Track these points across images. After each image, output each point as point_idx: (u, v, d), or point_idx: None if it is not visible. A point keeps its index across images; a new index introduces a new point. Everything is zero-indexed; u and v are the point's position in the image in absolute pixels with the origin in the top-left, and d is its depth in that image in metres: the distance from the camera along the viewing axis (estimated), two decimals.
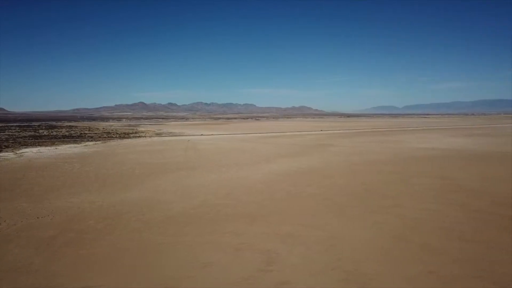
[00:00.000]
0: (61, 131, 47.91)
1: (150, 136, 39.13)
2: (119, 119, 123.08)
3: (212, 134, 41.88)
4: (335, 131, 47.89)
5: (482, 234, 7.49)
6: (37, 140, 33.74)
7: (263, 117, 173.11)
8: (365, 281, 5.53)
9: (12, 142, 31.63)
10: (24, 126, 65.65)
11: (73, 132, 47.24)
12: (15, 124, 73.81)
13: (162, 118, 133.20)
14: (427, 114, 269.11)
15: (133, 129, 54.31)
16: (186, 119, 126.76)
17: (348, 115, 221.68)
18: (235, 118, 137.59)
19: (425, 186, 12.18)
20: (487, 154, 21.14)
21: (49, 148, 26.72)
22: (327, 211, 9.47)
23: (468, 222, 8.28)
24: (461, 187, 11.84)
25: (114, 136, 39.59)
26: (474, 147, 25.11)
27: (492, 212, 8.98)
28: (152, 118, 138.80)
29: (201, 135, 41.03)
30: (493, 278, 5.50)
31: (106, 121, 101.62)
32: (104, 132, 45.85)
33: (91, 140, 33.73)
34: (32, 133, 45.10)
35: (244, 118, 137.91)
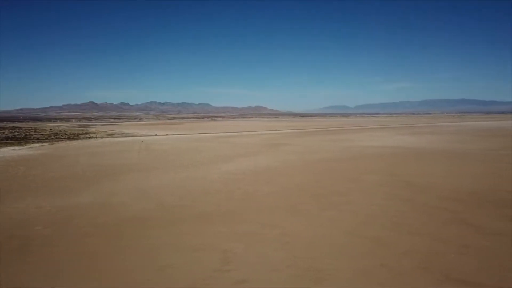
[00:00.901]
0: (3, 133, 44.99)
1: (101, 137, 37.77)
2: (67, 119, 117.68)
3: (167, 134, 41.13)
4: (290, 131, 48.68)
5: (428, 227, 7.91)
6: None
7: (219, 116, 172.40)
8: (320, 276, 5.67)
9: None
10: None
11: (17, 133, 44.50)
12: None
13: (114, 118, 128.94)
14: (377, 113, 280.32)
15: (83, 130, 52.14)
16: (140, 119, 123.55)
17: (302, 115, 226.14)
18: (190, 118, 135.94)
19: (375, 182, 12.67)
20: (431, 151, 22.35)
21: None
22: (283, 209, 9.61)
23: (415, 216, 8.71)
24: (408, 183, 12.43)
25: (62, 137, 37.74)
26: (419, 144, 26.44)
27: (437, 206, 9.51)
28: (104, 118, 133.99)
29: (155, 135, 40.15)
30: (438, 268, 5.83)
31: (54, 121, 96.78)
32: (52, 133, 43.59)
33: (37, 142, 31.99)
34: None
35: (199, 118, 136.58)
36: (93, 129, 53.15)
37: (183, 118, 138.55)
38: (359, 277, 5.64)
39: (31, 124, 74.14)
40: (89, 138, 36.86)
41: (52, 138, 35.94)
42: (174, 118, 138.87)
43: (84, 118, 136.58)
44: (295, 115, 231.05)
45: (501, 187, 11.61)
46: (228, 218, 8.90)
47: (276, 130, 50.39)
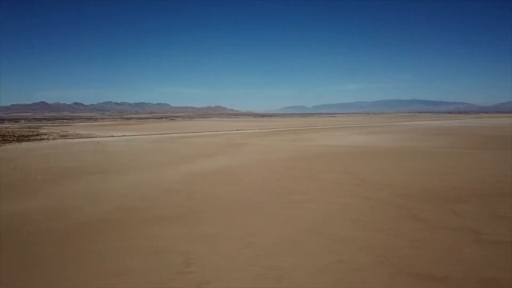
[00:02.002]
0: None
1: (54, 139, 36.15)
2: (16, 120, 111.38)
3: (124, 135, 40.04)
4: (251, 131, 48.90)
5: (382, 223, 8.22)
6: None
7: (178, 116, 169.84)
8: (281, 274, 5.78)
9: None
10: None
11: None
12: None
13: (68, 119, 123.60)
14: (334, 113, 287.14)
15: (33, 131, 49.61)
16: (95, 119, 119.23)
17: (263, 115, 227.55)
18: (149, 118, 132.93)
19: (333, 181, 13.02)
20: (385, 149, 23.21)
21: None
22: (245, 208, 9.67)
23: (371, 212, 9.02)
24: (364, 181, 12.86)
25: (10, 139, 35.68)
26: (374, 143, 27.39)
27: (390, 202, 9.90)
28: (56, 119, 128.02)
29: (112, 136, 38.95)
30: (392, 262, 6.08)
31: (1, 122, 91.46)
32: None
33: None
34: None
35: (158, 118, 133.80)
36: (45, 130, 50.66)
37: (141, 118, 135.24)
38: (318, 273, 5.80)
39: None
40: (41, 139, 35.13)
41: None
42: (131, 118, 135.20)
43: (35, 118, 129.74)
44: (255, 115, 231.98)
45: (448, 183, 12.30)
46: (189, 219, 8.83)
47: (237, 130, 50.43)
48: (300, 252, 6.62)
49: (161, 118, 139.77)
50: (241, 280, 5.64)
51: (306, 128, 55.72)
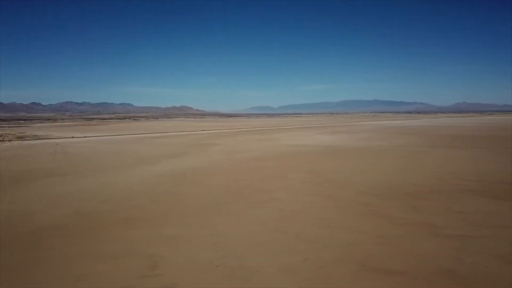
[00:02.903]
0: None
1: (9, 140, 34.44)
2: None
3: (85, 136, 38.75)
4: (217, 131, 48.67)
5: (347, 220, 8.38)
6: None
7: (142, 117, 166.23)
8: (248, 274, 5.77)
9: None
10: None
11: None
12: None
13: (25, 120, 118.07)
14: (300, 114, 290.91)
15: None
16: (54, 120, 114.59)
17: (229, 115, 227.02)
18: (112, 119, 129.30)
19: (299, 180, 13.16)
20: (349, 148, 23.71)
21: None
22: (211, 209, 9.59)
23: (335, 210, 9.17)
24: (329, 180, 13.08)
25: None
26: (338, 143, 27.92)
27: (354, 200, 10.11)
28: (12, 119, 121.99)
29: (73, 137, 37.59)
30: (356, 259, 6.21)
31: None
32: None
33: None
34: None
35: (121, 119, 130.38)
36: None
37: (104, 119, 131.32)
38: (284, 272, 5.83)
39: None
40: None
41: None
42: (93, 119, 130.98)
43: None
44: (221, 115, 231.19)
45: (409, 181, 12.73)
46: (154, 221, 8.65)
47: (203, 130, 50.01)
48: (266, 252, 6.64)
49: (125, 118, 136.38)
50: (207, 282, 5.58)
51: (273, 128, 56.09)
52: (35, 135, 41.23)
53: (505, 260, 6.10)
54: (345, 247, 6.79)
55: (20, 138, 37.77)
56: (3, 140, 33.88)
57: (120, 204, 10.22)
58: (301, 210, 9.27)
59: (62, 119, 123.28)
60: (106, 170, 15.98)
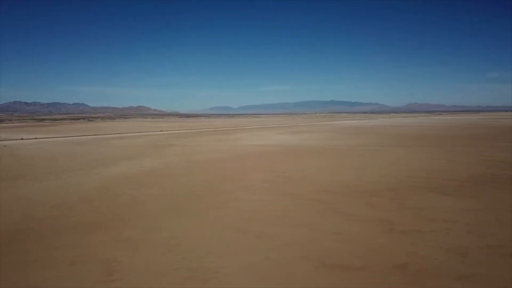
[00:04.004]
0: None
1: None
2: None
3: (36, 138, 36.89)
4: (176, 131, 47.95)
5: (306, 218, 8.52)
6: None
7: (97, 117, 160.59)
8: (209, 275, 5.73)
9: None
10: None
11: None
12: None
13: None
14: (259, 114, 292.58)
15: None
16: (1, 121, 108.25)
17: (188, 115, 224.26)
18: (65, 119, 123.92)
19: (259, 179, 13.24)
20: (308, 148, 24.14)
21: None
22: (170, 211, 9.43)
23: (295, 209, 9.30)
24: (289, 178, 13.25)
25: None
26: (297, 142, 28.35)
27: (313, 198, 10.30)
28: None
29: (22, 139, 35.68)
30: (316, 256, 6.33)
31: None
32: None
33: None
34: None
35: (75, 119, 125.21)
36: None
37: (56, 119, 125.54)
38: (245, 271, 5.85)
39: None
40: None
41: None
42: (44, 119, 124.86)
43: None
44: (180, 115, 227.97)
45: (365, 179, 13.16)
46: (111, 225, 8.38)
47: (161, 131, 49.09)
48: (227, 252, 6.63)
49: (79, 119, 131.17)
50: (167, 284, 5.49)
51: (233, 128, 56.06)
52: None
53: (454, 252, 6.45)
54: (305, 244, 6.91)
55: None
56: None
57: (75, 208, 9.82)
58: (261, 210, 9.33)
59: (9, 120, 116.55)
60: (60, 173, 15.31)
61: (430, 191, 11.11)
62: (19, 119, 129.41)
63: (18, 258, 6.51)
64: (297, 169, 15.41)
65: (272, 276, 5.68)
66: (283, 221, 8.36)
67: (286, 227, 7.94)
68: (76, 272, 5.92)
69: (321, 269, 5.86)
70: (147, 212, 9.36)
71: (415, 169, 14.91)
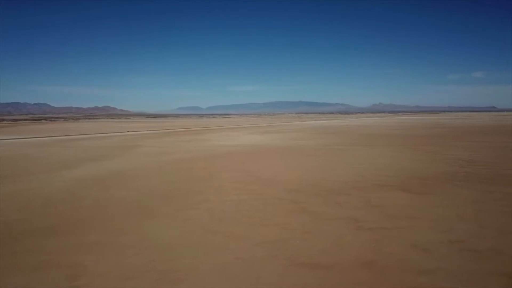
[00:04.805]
0: None
1: None
2: None
3: None
4: (143, 132, 47.08)
5: (276, 218, 8.58)
6: None
7: (61, 118, 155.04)
8: (178, 277, 5.67)
9: None
10: None
11: None
12: None
13: None
14: (228, 114, 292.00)
15: None
16: None
17: (156, 116, 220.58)
18: (25, 120, 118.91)
19: (230, 179, 13.22)
20: (277, 148, 24.32)
21: None
22: (139, 213, 9.25)
23: (265, 208, 9.34)
24: (259, 178, 13.31)
25: None
26: (267, 142, 28.50)
27: (283, 198, 10.38)
28: None
29: None
30: (285, 255, 6.39)
31: None
32: None
33: None
34: None
35: (36, 120, 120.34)
36: None
37: (15, 120, 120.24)
38: (215, 272, 5.83)
39: None
40: None
41: None
42: (3, 120, 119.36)
43: None
44: (147, 116, 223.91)
45: (333, 178, 13.40)
46: (76, 229, 8.13)
47: (128, 131, 48.04)
48: (197, 253, 6.58)
49: (41, 119, 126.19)
50: (135, 287, 5.38)
51: (202, 128, 55.64)
52: None
53: (418, 248, 6.68)
54: (274, 243, 6.96)
55: None
56: None
57: (37, 212, 9.46)
58: (231, 210, 9.32)
59: None
60: (20, 176, 14.69)
61: (395, 189, 11.46)
62: None
63: None
64: (267, 169, 15.49)
65: (242, 276, 5.69)
66: (253, 221, 8.39)
67: (256, 227, 7.97)
68: (39, 278, 5.70)
69: (290, 268, 5.92)
70: (114, 215, 9.14)
71: (380, 168, 15.32)
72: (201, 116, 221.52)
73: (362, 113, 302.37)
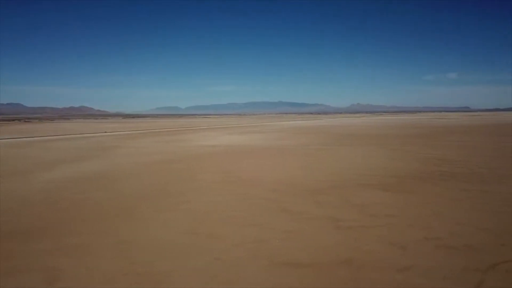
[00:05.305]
0: None
1: None
2: None
3: None
4: (122, 132, 46.40)
5: (257, 217, 8.61)
6: None
7: (35, 118, 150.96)
8: (158, 279, 5.62)
9: None
10: None
11: None
12: None
13: None
14: (208, 114, 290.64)
15: None
16: None
17: (133, 116, 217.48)
18: None
19: (210, 180, 13.19)
20: (257, 148, 24.38)
21: None
22: (117, 215, 9.12)
23: (246, 208, 9.36)
24: (240, 178, 13.32)
25: None
26: (248, 142, 28.54)
27: (264, 197, 10.43)
28: None
29: None
30: (265, 255, 6.42)
31: None
32: None
33: None
34: None
35: (9, 120, 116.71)
36: None
37: None
38: (195, 273, 5.81)
39: None
40: None
41: None
42: None
43: None
44: (125, 116, 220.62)
45: (312, 177, 13.53)
46: (52, 232, 7.95)
47: (105, 132, 47.22)
48: (177, 255, 6.54)
49: (13, 120, 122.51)
50: None
51: (181, 129, 55.21)
52: None
53: (395, 245, 6.82)
54: (255, 243, 6.98)
55: None
56: None
57: (12, 215, 9.21)
58: (212, 211, 9.30)
59: None
60: None
61: (373, 187, 11.66)
62: None
63: None
64: (248, 169, 15.52)
65: (222, 276, 5.69)
66: (234, 221, 8.39)
67: (236, 227, 7.98)
68: (15, 283, 5.56)
69: (270, 268, 5.96)
70: (92, 217, 8.98)
71: (359, 167, 15.56)
72: (180, 116, 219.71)
73: (341, 113, 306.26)
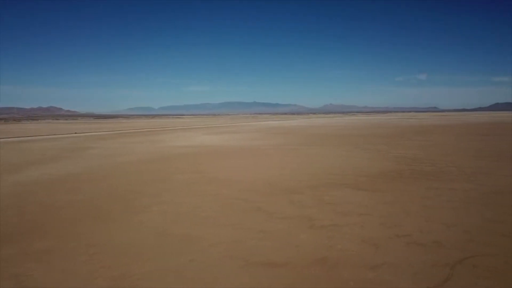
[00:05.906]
0: None
1: None
2: None
3: None
4: (93, 133, 45.33)
5: (231, 218, 8.62)
6: None
7: (1, 119, 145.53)
8: (131, 282, 5.54)
9: None
10: None
11: None
12: None
13: None
14: (182, 115, 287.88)
15: None
16: None
17: (105, 116, 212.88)
18: None
19: (185, 181, 13.10)
20: (232, 148, 24.37)
21: None
22: (89, 217, 8.92)
23: (220, 209, 9.35)
24: (214, 179, 13.29)
25: None
26: (222, 143, 28.48)
27: (238, 197, 10.45)
28: None
29: None
30: (240, 255, 6.44)
31: None
32: None
33: None
34: None
35: None
36: None
37: None
38: (170, 276, 5.76)
39: None
40: None
41: None
42: None
43: None
44: (96, 116, 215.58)
45: (286, 177, 13.65)
46: (21, 236, 7.69)
47: (76, 133, 46.03)
48: (151, 257, 6.46)
49: None
50: None
51: (155, 129, 54.47)
52: None
53: (368, 243, 6.97)
54: (230, 244, 6.98)
55: None
56: None
57: None
58: (186, 211, 9.23)
59: None
60: None
61: (346, 187, 11.87)
62: None
63: None
64: (222, 170, 15.48)
65: (198, 277, 5.67)
66: (208, 222, 8.36)
67: (211, 228, 7.96)
68: None
69: (245, 268, 5.98)
70: (63, 220, 8.75)
71: (332, 167, 15.79)
72: (153, 116, 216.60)
73: (314, 113, 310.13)
